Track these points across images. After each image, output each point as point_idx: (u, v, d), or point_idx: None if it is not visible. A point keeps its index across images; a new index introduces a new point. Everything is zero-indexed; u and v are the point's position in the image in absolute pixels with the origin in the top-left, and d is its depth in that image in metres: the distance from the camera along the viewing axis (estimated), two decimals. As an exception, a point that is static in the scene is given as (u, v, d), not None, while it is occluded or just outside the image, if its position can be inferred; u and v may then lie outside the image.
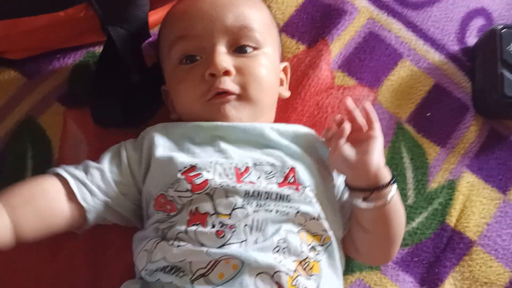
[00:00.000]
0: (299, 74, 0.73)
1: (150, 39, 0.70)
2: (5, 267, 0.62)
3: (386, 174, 0.56)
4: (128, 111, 0.67)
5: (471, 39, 0.79)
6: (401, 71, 0.75)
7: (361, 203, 0.56)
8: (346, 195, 0.61)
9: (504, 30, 0.73)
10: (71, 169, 0.57)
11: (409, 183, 0.70)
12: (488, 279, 0.67)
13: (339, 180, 0.61)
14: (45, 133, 0.68)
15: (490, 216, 0.70)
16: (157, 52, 0.69)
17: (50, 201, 0.54)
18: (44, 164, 0.66)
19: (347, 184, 0.58)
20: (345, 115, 0.58)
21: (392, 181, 0.56)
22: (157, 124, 0.62)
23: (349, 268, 0.65)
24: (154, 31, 0.71)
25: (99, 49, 0.72)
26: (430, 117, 0.74)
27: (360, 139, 0.56)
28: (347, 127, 0.56)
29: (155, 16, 0.70)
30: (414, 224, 0.69)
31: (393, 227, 0.58)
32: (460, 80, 0.76)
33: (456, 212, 0.70)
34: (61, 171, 0.56)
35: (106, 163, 0.58)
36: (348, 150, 0.56)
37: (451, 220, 0.69)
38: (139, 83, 0.68)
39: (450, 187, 0.71)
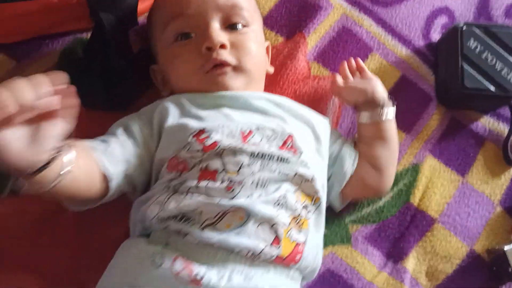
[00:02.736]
0: (278, 64, 0.78)
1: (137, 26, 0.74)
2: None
3: (387, 100, 0.69)
4: (113, 94, 0.71)
5: (435, 35, 0.85)
6: (371, 64, 0.81)
7: (364, 117, 0.68)
8: (338, 160, 0.68)
9: (465, 27, 0.80)
10: (94, 143, 0.59)
11: (378, 165, 0.76)
12: (447, 252, 0.74)
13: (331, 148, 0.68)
14: (34, 114, 0.71)
15: (450, 196, 0.77)
16: (143, 37, 0.73)
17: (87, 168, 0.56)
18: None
19: (355, 108, 0.70)
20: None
21: (391, 105, 0.68)
22: (160, 100, 0.66)
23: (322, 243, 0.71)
24: (140, 19, 0.75)
25: (87, 36, 0.75)
26: (397, 106, 0.79)
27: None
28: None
29: (142, 5, 0.74)
30: (381, 203, 0.75)
31: (389, 146, 0.69)
32: (424, 73, 0.83)
33: (419, 192, 0.76)
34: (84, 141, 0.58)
35: (122, 137, 0.61)
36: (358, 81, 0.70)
37: (415, 200, 0.76)
38: (125, 68, 0.71)
39: (414, 170, 0.77)
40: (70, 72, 0.70)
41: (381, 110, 0.68)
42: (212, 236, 0.54)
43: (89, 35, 0.75)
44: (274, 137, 0.61)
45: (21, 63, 0.73)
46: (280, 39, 0.80)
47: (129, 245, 0.59)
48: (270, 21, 0.81)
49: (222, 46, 0.63)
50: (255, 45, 0.66)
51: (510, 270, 0.70)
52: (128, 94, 0.73)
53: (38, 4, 0.63)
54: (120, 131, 0.62)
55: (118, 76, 0.71)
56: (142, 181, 0.63)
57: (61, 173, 0.48)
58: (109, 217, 0.66)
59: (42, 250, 0.65)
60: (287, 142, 0.61)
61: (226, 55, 0.63)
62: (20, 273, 0.64)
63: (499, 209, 0.77)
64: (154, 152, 0.62)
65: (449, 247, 0.74)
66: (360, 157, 0.68)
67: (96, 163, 0.56)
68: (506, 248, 0.71)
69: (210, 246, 0.55)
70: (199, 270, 0.53)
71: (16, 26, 0.69)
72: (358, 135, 0.71)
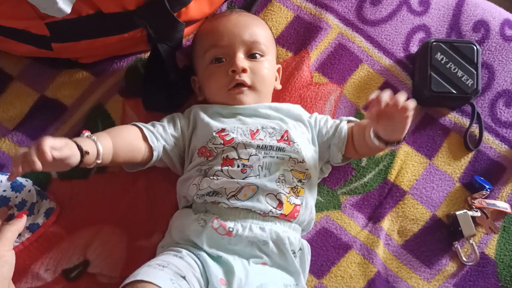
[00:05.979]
0: (287, 74, 1.02)
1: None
2: (93, 194, 0.93)
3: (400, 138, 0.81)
4: (167, 99, 0.96)
5: (414, 48, 1.07)
6: (361, 72, 1.04)
7: (377, 143, 0.81)
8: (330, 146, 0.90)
9: (434, 43, 1.01)
10: (144, 123, 0.87)
11: (363, 151, 1.00)
12: (414, 216, 0.98)
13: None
14: (110, 116, 0.98)
15: (419, 174, 1.00)
16: (187, 56, 0.98)
17: (133, 138, 0.84)
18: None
19: (374, 132, 0.81)
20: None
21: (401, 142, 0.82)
22: (196, 105, 0.92)
23: (318, 208, 0.96)
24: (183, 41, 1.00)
25: (144, 55, 1.01)
26: (380, 105, 1.03)
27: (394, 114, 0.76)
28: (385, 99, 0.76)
29: (185, 31, 0.99)
30: (365, 179, 0.99)
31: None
32: (403, 78, 1.05)
33: (395, 171, 0.99)
34: (138, 123, 0.86)
35: (165, 122, 0.89)
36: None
37: (391, 177, 0.99)
38: (175, 79, 0.96)
39: (392, 154, 1.00)
40: (134, 84, 0.99)
41: (390, 145, 0.82)
42: (236, 202, 0.80)
43: (146, 55, 1.01)
44: (274, 133, 0.86)
45: (98, 78, 1.00)
46: (290, 54, 1.04)
47: (180, 214, 0.86)
48: (281, 40, 1.05)
49: (244, 70, 0.88)
50: (267, 70, 0.90)
51: (460, 229, 0.94)
52: (177, 98, 0.99)
53: (116, 38, 0.89)
54: (166, 120, 0.90)
55: (170, 85, 0.96)
56: (177, 157, 0.89)
57: (98, 161, 0.76)
58: (163, 192, 0.94)
59: (124, 210, 0.92)
60: (284, 136, 0.86)
61: (245, 77, 0.88)
62: (108, 225, 0.92)
63: (458, 184, 1.00)
64: (189, 138, 0.88)
65: (416, 212, 0.98)
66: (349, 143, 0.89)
67: (146, 138, 0.84)
68: (457, 213, 0.94)
69: (235, 209, 0.80)
70: (230, 225, 0.80)
71: (98, 52, 0.96)
72: (355, 135, 0.87)
